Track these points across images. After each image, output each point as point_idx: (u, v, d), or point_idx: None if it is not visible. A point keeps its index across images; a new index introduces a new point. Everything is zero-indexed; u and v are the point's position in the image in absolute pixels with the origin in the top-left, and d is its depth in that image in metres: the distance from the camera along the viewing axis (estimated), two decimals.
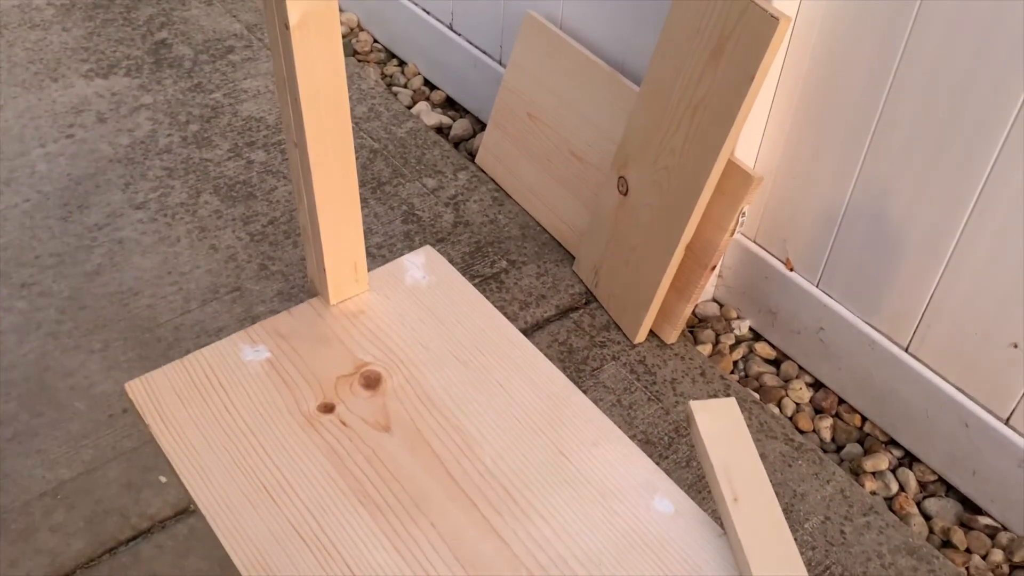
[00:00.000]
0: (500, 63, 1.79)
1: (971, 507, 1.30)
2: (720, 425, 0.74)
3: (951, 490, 1.32)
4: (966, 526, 1.27)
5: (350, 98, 1.91)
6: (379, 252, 1.57)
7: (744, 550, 0.67)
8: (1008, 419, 1.23)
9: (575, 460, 0.75)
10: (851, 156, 1.27)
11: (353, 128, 1.83)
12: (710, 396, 1.41)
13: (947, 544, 1.26)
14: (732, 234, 1.36)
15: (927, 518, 1.29)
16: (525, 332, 1.47)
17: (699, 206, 1.32)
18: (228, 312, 1.47)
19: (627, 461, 0.76)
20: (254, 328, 0.84)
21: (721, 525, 0.72)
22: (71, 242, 1.57)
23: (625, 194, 1.44)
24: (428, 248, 0.92)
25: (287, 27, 0.65)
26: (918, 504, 1.30)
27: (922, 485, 1.33)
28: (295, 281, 1.52)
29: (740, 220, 1.35)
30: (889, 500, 1.30)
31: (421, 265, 0.90)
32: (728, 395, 1.41)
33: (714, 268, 1.40)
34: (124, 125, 1.80)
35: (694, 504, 0.73)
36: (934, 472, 1.33)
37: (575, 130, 1.57)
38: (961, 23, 1.07)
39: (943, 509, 1.29)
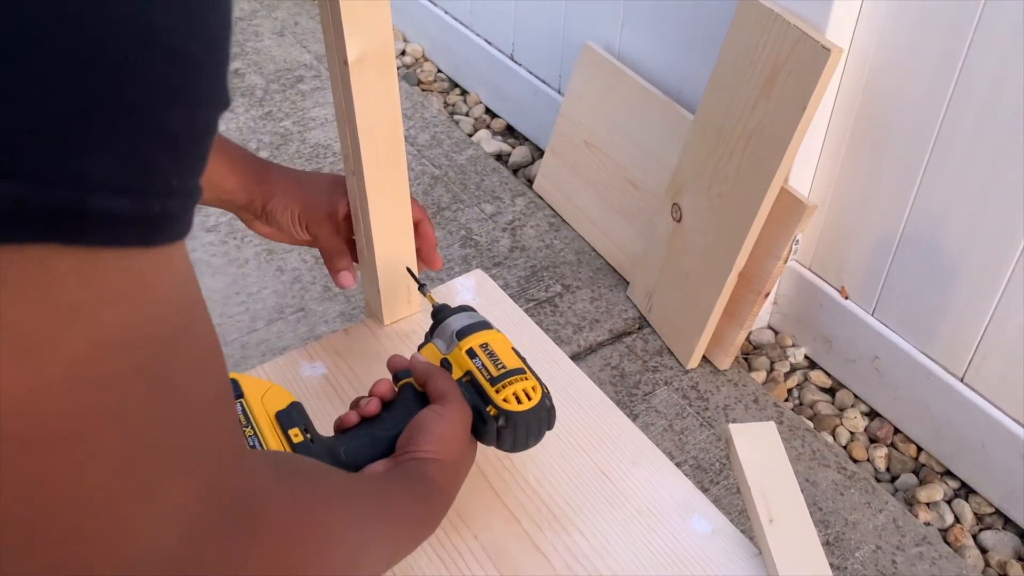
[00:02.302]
0: (559, 92, 1.83)
1: None
2: (758, 448, 0.76)
3: (1008, 523, 1.29)
4: None
5: (414, 126, 1.97)
6: (437, 275, 1.62)
7: (778, 570, 0.69)
8: None
9: (615, 479, 0.78)
10: (906, 184, 1.27)
11: (415, 155, 1.89)
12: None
13: None
14: (786, 262, 1.37)
15: (983, 551, 1.27)
16: (578, 356, 1.50)
17: (752, 233, 1.33)
18: (292, 332, 1.52)
19: (666, 481, 0.78)
20: (312, 345, 0.89)
21: (757, 546, 0.73)
22: None
23: (679, 221, 1.46)
24: (478, 272, 0.95)
25: (345, 63, 0.70)
26: (974, 537, 1.29)
27: (978, 517, 1.31)
28: (356, 303, 1.57)
29: (794, 248, 1.36)
30: (944, 532, 1.29)
31: (471, 288, 0.93)
32: (781, 422, 1.41)
33: (767, 295, 1.41)
34: None
35: (731, 524, 0.75)
36: (991, 504, 1.31)
37: (631, 158, 1.60)
38: (1014, 53, 1.08)
39: (1000, 542, 1.27)
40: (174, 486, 0.33)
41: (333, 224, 0.83)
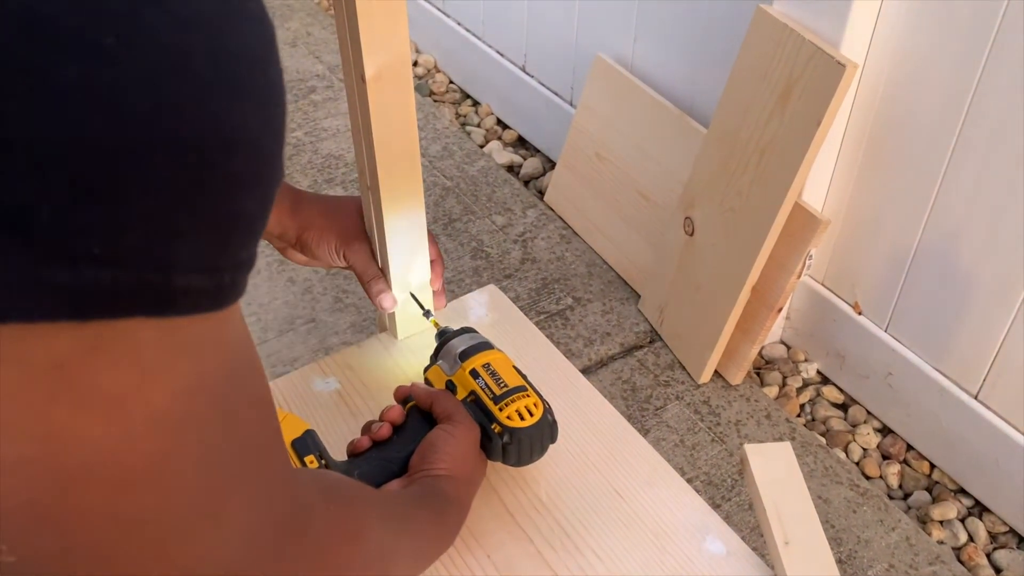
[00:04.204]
0: (571, 104, 1.83)
1: None
2: (774, 468, 0.75)
3: (1023, 542, 1.28)
4: None
5: (426, 137, 1.97)
6: (448, 287, 1.61)
7: None
8: None
9: (629, 498, 0.77)
10: (920, 200, 1.26)
11: (427, 166, 1.89)
12: (775, 439, 1.40)
13: None
14: (799, 277, 1.36)
15: (997, 571, 1.26)
16: (589, 369, 1.49)
17: (765, 248, 1.33)
18: (303, 343, 1.52)
19: (680, 501, 0.77)
20: (325, 360, 0.88)
21: (772, 567, 0.73)
22: None
23: (691, 234, 1.45)
24: (492, 287, 0.95)
25: (363, 79, 0.70)
26: (988, 555, 1.27)
27: (992, 536, 1.30)
28: (367, 314, 1.57)
29: (807, 263, 1.36)
30: (957, 550, 1.28)
31: (484, 303, 0.93)
32: (793, 438, 1.41)
33: (780, 310, 1.40)
34: None
35: (745, 546, 0.74)
36: (1005, 523, 1.30)
37: (643, 170, 1.60)
38: None
39: (1014, 562, 1.26)
40: (235, 503, 0.38)
41: (368, 250, 0.85)
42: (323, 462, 0.69)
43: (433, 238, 0.87)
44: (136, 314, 0.30)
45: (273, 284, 1.62)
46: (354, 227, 0.85)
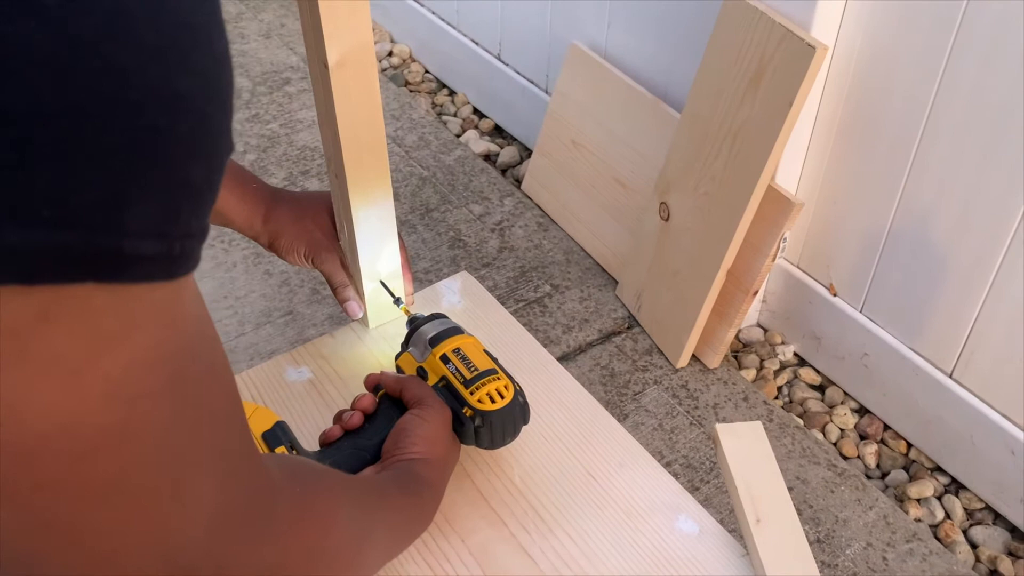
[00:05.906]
0: (546, 92, 1.83)
1: (1020, 536, 1.27)
2: (745, 447, 0.76)
3: (999, 518, 1.30)
4: (1014, 555, 1.25)
5: (402, 127, 1.96)
6: (426, 277, 1.61)
7: (765, 570, 0.68)
8: None
9: (602, 480, 0.77)
10: (893, 181, 1.27)
11: (403, 156, 1.88)
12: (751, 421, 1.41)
13: (994, 573, 1.24)
14: (774, 259, 1.37)
15: (973, 546, 1.27)
16: (568, 356, 1.50)
17: (740, 232, 1.33)
18: (281, 335, 1.52)
19: (653, 482, 0.78)
20: (298, 350, 0.88)
21: (744, 546, 0.73)
22: None
23: (667, 220, 1.46)
24: (464, 273, 0.95)
25: (326, 66, 0.69)
26: (964, 532, 1.29)
27: (969, 513, 1.31)
28: None
29: (781, 246, 1.36)
30: (934, 528, 1.29)
31: (457, 290, 0.93)
32: (771, 420, 1.41)
33: (756, 293, 1.41)
34: None
35: (718, 524, 0.75)
36: (981, 500, 1.31)
37: (619, 157, 1.60)
38: (1000, 47, 1.08)
39: (990, 537, 1.27)
40: (198, 483, 0.37)
41: (336, 258, 0.86)
42: (294, 452, 0.69)
43: (403, 245, 0.86)
44: (87, 279, 0.30)
45: (250, 277, 1.62)
46: (323, 235, 0.86)
